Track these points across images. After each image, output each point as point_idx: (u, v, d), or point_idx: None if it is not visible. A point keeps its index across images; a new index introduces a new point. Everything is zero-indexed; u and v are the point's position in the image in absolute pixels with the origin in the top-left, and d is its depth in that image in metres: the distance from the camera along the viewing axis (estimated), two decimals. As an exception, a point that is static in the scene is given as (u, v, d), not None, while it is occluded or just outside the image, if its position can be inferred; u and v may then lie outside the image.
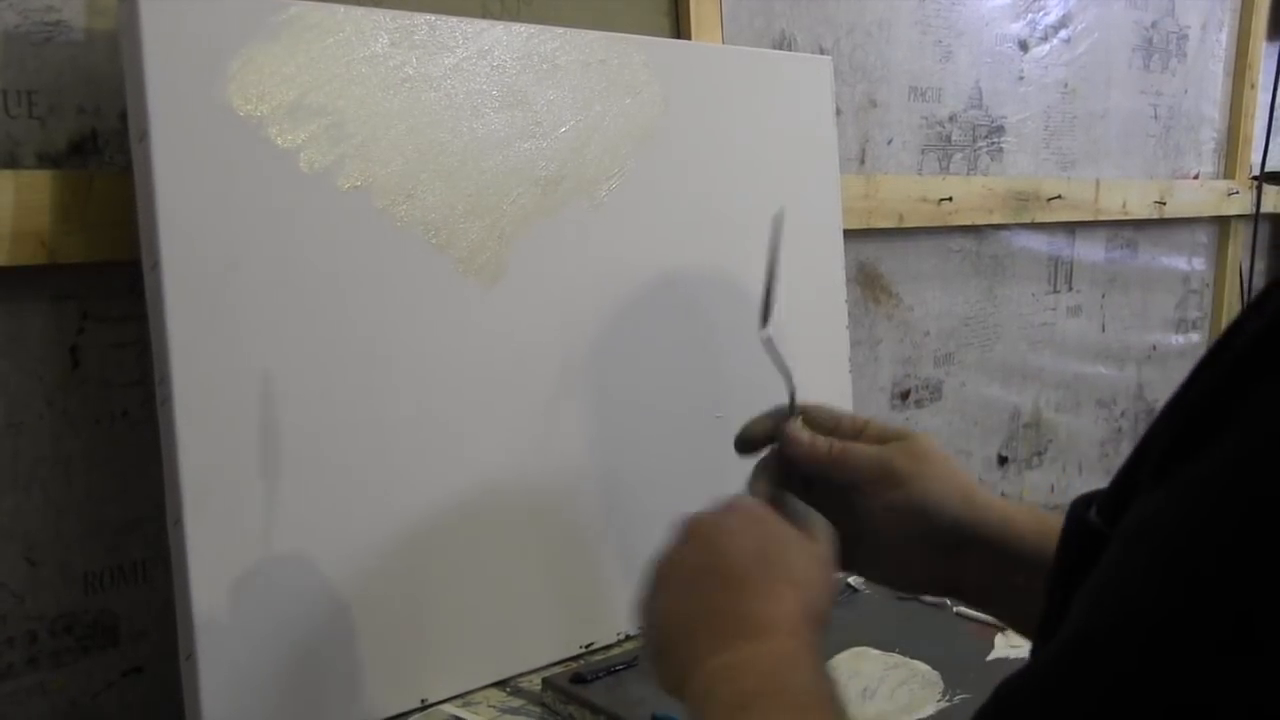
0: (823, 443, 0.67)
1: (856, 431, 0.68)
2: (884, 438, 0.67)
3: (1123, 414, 1.90)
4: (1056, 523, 0.48)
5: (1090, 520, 0.41)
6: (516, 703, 0.86)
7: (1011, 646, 0.92)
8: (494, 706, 0.86)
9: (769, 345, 0.68)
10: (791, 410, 0.69)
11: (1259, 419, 0.32)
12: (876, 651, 0.92)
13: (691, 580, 0.57)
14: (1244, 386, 0.33)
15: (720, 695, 0.51)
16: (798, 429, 0.68)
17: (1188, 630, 0.31)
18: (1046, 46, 1.61)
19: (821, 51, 1.29)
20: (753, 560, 0.56)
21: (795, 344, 1.10)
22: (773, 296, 0.69)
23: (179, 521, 0.74)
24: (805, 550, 0.59)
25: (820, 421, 0.69)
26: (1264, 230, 2.10)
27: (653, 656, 0.57)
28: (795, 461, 0.67)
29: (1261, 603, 0.30)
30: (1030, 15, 1.57)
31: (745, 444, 0.70)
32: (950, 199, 1.43)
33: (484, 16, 0.97)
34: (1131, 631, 0.32)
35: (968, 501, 0.63)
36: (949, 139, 1.48)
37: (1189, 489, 0.34)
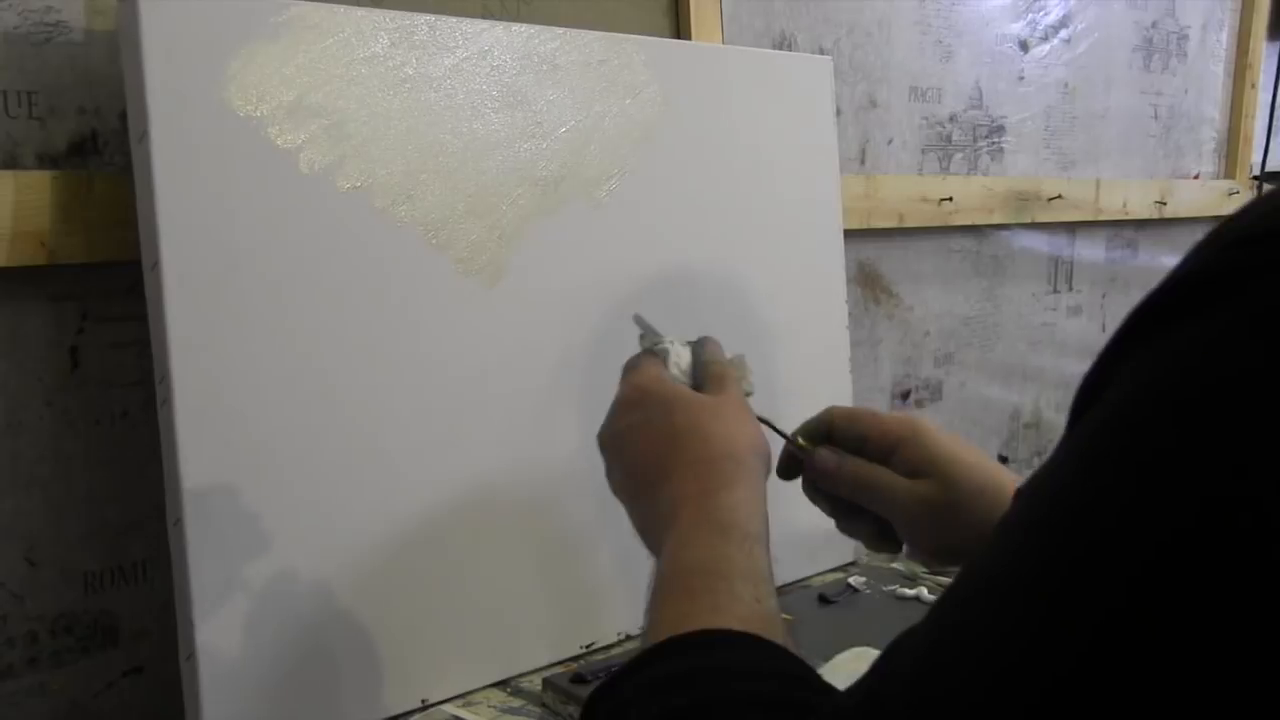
0: (847, 473, 0.67)
1: (887, 451, 0.67)
2: (913, 468, 0.66)
3: (1123, 414, 1.90)
4: None
5: None
6: (517, 703, 0.86)
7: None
8: (494, 706, 0.86)
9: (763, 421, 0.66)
10: (789, 437, 0.69)
11: (1124, 385, 0.33)
12: (876, 652, 0.91)
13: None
14: (1126, 350, 0.34)
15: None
16: (824, 456, 0.67)
17: (1042, 598, 0.31)
18: (1047, 46, 1.61)
19: (821, 51, 1.29)
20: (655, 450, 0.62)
21: (796, 344, 1.10)
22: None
23: (179, 521, 0.74)
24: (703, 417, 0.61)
25: (848, 438, 0.68)
26: (1264, 230, 2.09)
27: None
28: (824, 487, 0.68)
29: (1095, 573, 0.30)
30: (1030, 15, 1.57)
31: (785, 471, 0.70)
32: (950, 199, 1.43)
33: (484, 17, 0.97)
34: (995, 594, 0.33)
35: None
36: (949, 139, 1.48)
37: (1058, 454, 0.34)
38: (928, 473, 0.65)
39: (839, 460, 0.67)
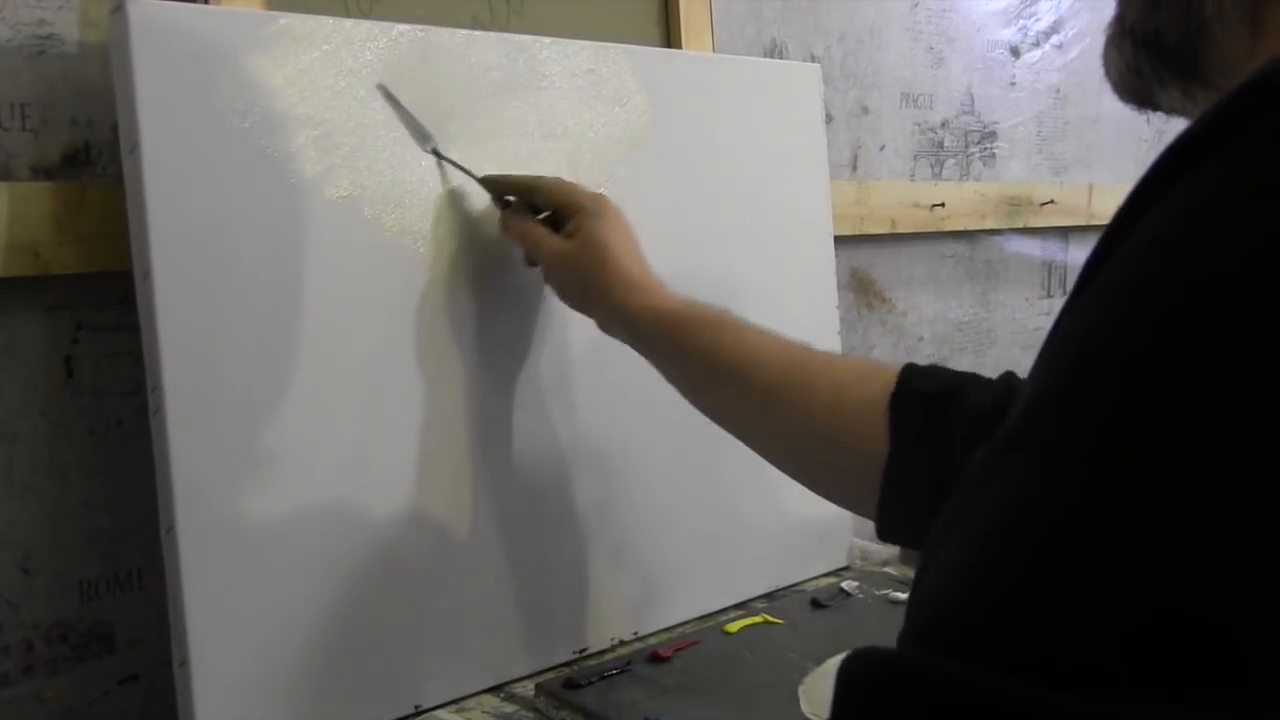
0: (512, 227, 0.87)
1: (570, 217, 0.85)
2: (570, 232, 0.84)
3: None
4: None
5: None
6: (510, 708, 0.87)
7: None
8: (487, 712, 0.86)
9: (440, 155, 0.87)
10: (499, 200, 0.88)
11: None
12: (869, 655, 0.92)
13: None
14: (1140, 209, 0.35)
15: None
16: (504, 213, 0.88)
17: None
18: (1038, 52, 1.62)
19: (813, 59, 1.30)
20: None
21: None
22: (412, 118, 0.86)
23: (172, 529, 0.74)
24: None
25: (548, 203, 0.86)
26: (1259, 233, 2.10)
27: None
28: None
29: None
30: (1022, 21, 1.58)
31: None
32: (943, 204, 1.44)
33: (474, 27, 0.98)
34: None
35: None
36: (941, 145, 1.49)
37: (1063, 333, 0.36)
38: (576, 237, 0.83)
39: (507, 217, 0.87)
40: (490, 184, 0.88)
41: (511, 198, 0.87)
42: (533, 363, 0.92)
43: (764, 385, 0.77)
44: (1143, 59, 0.48)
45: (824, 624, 1.00)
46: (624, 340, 0.84)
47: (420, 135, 0.85)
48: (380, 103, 0.83)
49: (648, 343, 0.82)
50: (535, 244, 0.85)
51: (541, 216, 0.86)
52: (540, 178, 0.87)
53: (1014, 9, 1.56)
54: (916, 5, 1.43)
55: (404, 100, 0.84)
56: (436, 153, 0.86)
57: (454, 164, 0.86)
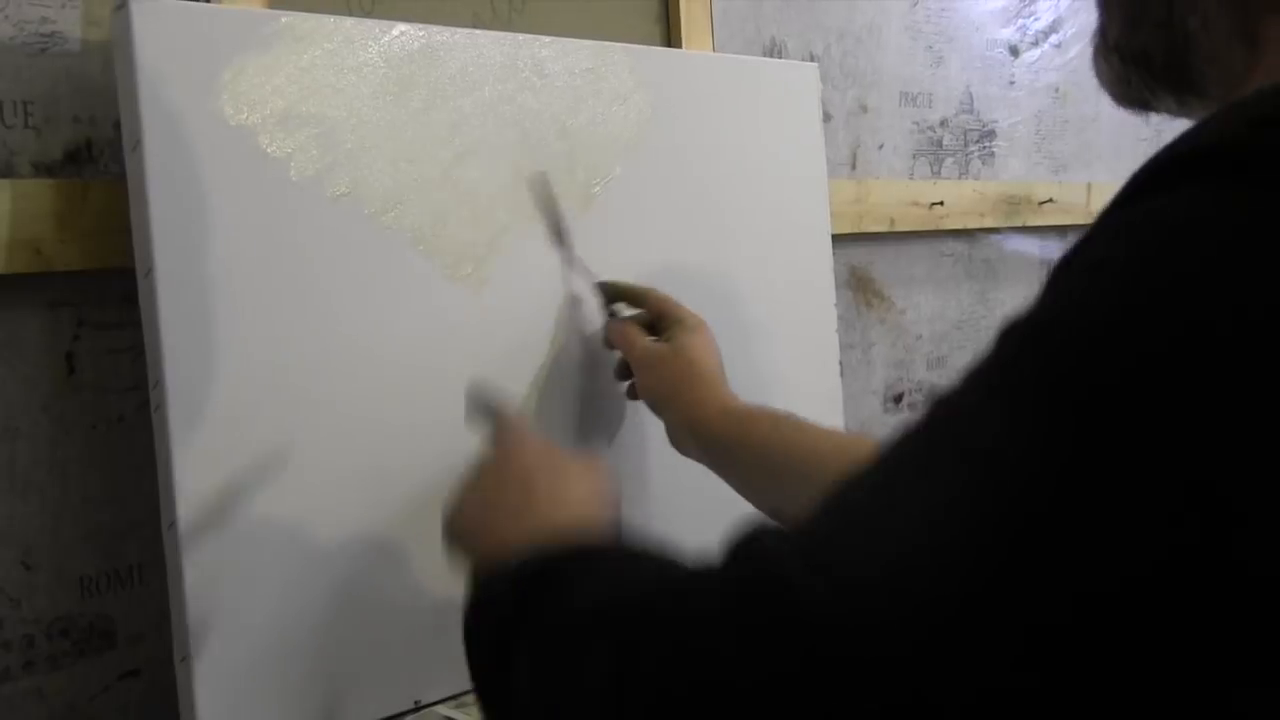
0: (612, 328, 0.93)
1: (666, 328, 0.90)
2: (667, 339, 0.88)
3: (1117, 416, 1.90)
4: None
5: None
6: (509, 703, 0.87)
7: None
8: (487, 707, 0.86)
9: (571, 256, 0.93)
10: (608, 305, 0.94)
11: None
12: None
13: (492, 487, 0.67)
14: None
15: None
16: (608, 314, 0.94)
17: None
18: (1037, 51, 1.62)
19: (812, 57, 1.30)
20: (543, 474, 0.66)
21: (785, 348, 1.11)
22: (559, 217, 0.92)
23: (173, 525, 0.74)
24: (584, 468, 0.68)
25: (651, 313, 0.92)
26: (1257, 233, 2.09)
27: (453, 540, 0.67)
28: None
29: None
30: (1021, 20, 1.58)
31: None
32: (941, 203, 1.44)
33: (475, 25, 0.98)
34: None
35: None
36: (940, 143, 1.49)
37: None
38: (670, 344, 0.88)
39: (610, 320, 0.93)
40: (605, 289, 0.94)
41: (618, 305, 0.94)
42: (536, 361, 0.92)
43: (824, 469, 0.78)
44: (1131, 73, 0.48)
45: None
46: (691, 447, 0.87)
47: (559, 235, 0.92)
48: (381, 102, 0.84)
49: (714, 440, 0.85)
50: (631, 343, 0.91)
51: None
52: (650, 290, 0.93)
53: (1013, 8, 1.56)
54: (915, 4, 1.43)
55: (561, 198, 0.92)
56: (568, 251, 0.93)
57: (582, 266, 0.93)
